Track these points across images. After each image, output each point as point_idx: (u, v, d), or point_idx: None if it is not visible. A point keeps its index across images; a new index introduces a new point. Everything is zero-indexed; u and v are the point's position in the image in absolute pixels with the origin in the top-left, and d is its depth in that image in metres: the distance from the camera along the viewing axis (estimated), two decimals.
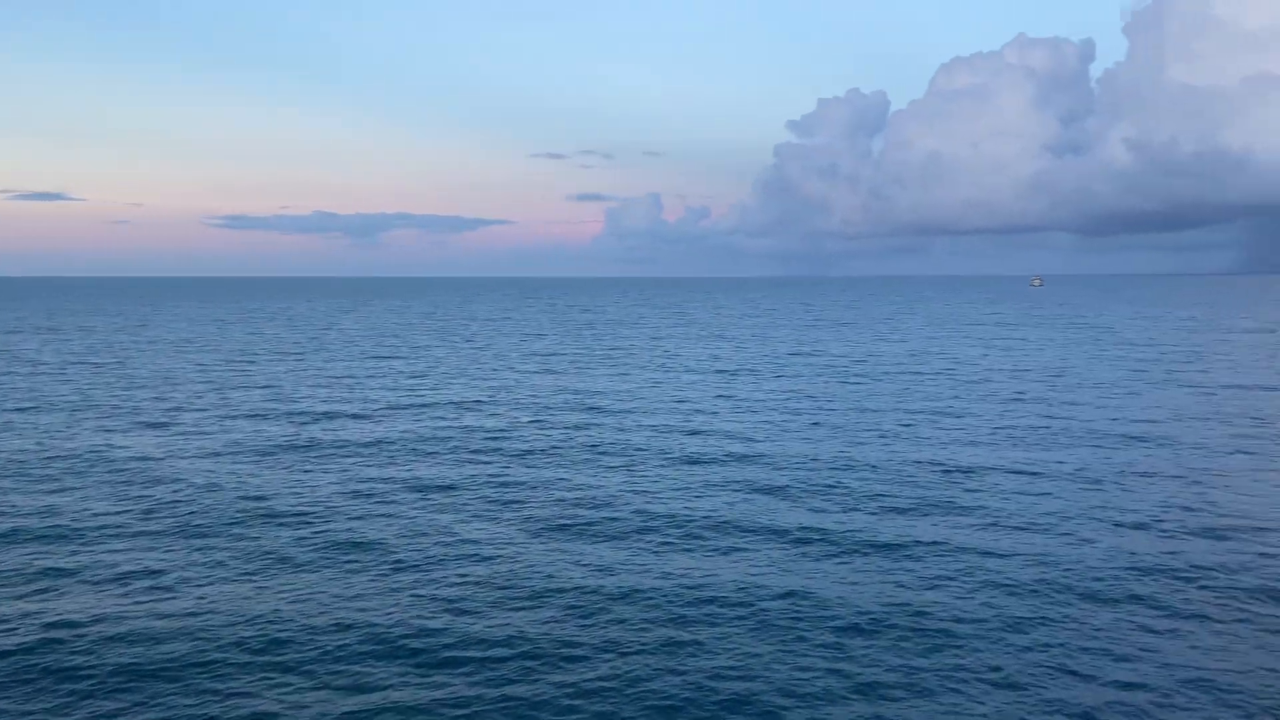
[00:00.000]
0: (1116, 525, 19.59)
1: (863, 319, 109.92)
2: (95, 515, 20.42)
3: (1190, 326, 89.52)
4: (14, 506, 21.15)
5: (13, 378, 46.46)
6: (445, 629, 14.17)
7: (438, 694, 12.22)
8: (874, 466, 25.43)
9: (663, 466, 25.53)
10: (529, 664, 13.06)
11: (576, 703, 12.01)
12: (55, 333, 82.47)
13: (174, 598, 15.57)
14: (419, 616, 14.65)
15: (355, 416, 33.90)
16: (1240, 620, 14.56)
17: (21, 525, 19.65)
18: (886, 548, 18.12)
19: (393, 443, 28.72)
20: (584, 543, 18.55)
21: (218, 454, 26.99)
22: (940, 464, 25.66)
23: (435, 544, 18.33)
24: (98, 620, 14.56)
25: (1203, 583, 16.17)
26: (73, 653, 13.42)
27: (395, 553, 17.79)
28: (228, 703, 11.99)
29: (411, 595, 15.60)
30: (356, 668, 12.97)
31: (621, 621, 14.52)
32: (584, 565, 17.15)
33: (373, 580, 16.34)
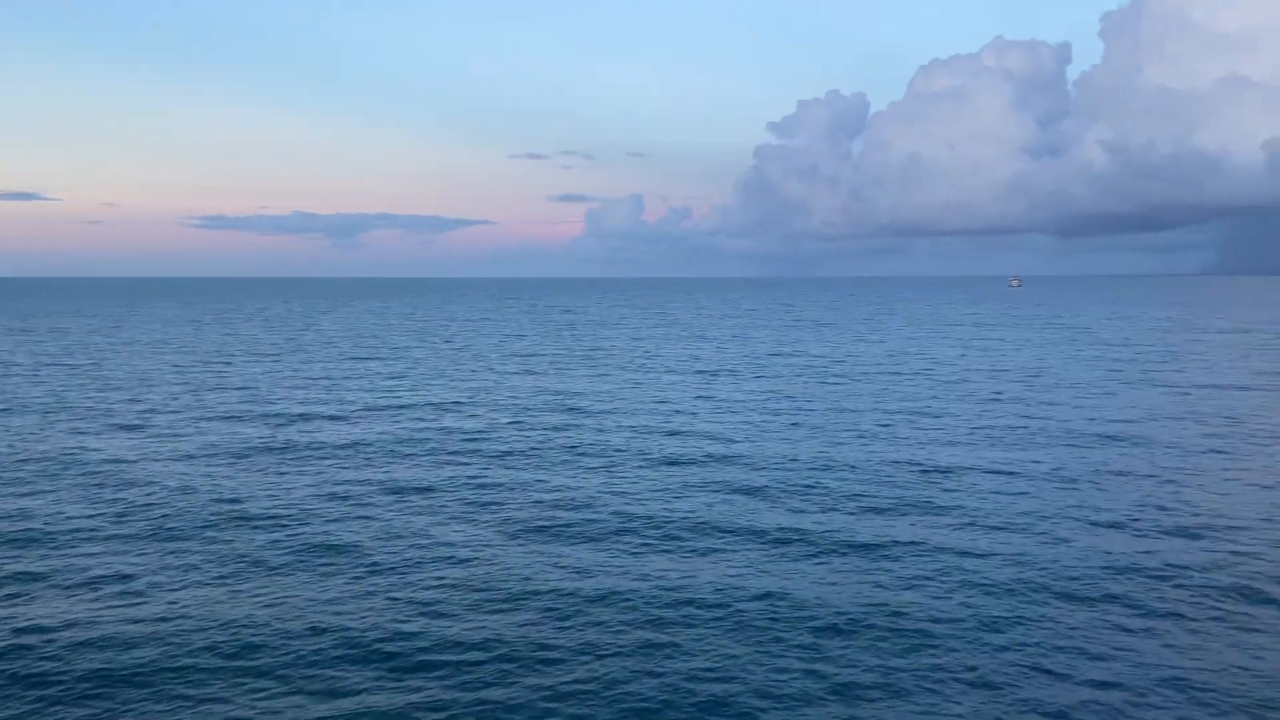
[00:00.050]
0: (1092, 524, 19.71)
1: (842, 319, 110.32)
2: (67, 519, 20.15)
3: (1166, 327, 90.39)
4: None
5: None
6: (421, 632, 14.06)
7: (413, 698, 12.12)
8: (852, 467, 25.48)
9: (642, 467, 25.48)
10: (505, 667, 12.98)
11: (553, 706, 11.94)
12: (28, 334, 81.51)
13: (145, 602, 15.38)
14: (394, 620, 14.54)
15: (332, 418, 33.67)
16: (1214, 619, 14.67)
17: None
18: (864, 548, 18.15)
19: (370, 444, 28.53)
20: (562, 544, 18.48)
21: (192, 456, 26.72)
22: (918, 464, 25.75)
23: (411, 547, 18.21)
24: (68, 625, 14.36)
25: (1177, 581, 16.28)
26: (41, 658, 13.23)
27: (371, 555, 17.65)
28: (199, 709, 11.84)
29: (387, 598, 15.47)
30: (331, 672, 12.84)
31: (599, 624, 14.46)
32: (562, 567, 17.08)
33: (348, 583, 16.20)
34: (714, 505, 21.39)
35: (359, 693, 12.26)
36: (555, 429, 31.50)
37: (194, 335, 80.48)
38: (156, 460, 26.18)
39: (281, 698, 12.12)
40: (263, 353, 62.24)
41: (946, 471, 24.84)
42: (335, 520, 20.03)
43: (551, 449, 28.02)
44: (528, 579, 16.40)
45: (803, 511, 20.85)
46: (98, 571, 16.82)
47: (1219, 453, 27.25)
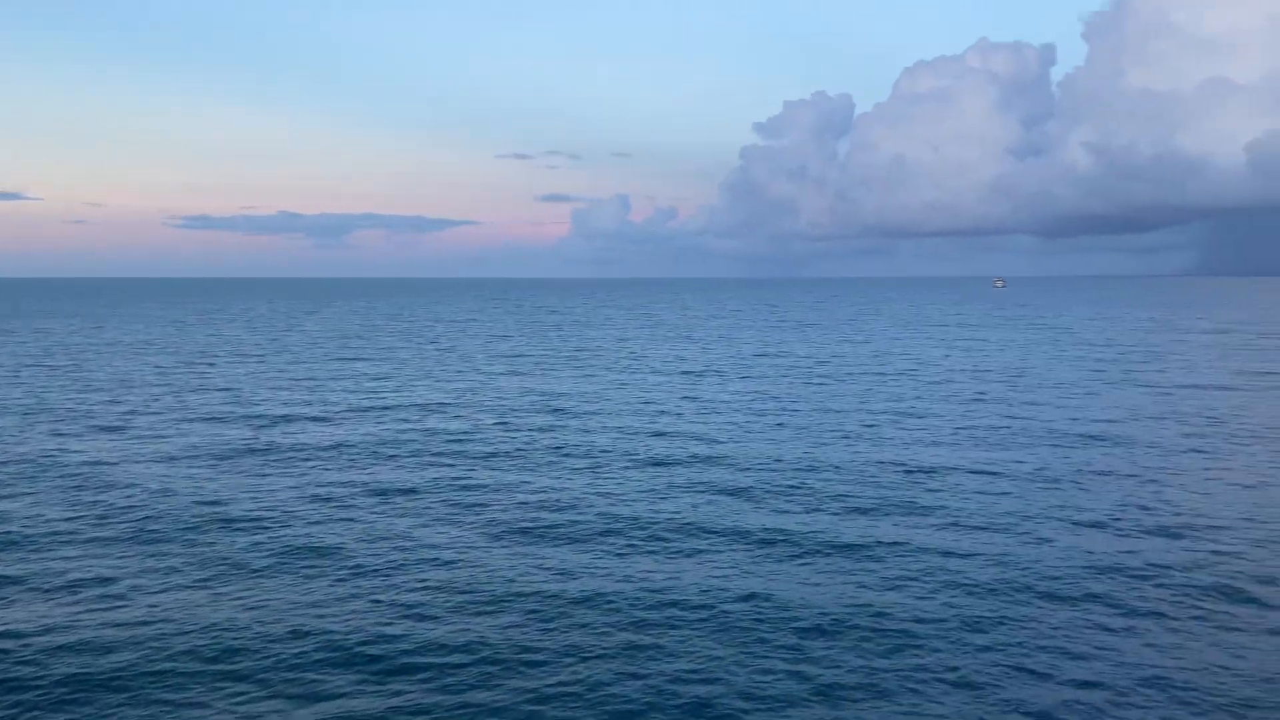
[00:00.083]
0: (1074, 524, 19.79)
1: (827, 320, 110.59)
2: (46, 521, 19.96)
3: (1148, 327, 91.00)
4: None
5: None
6: (404, 635, 13.99)
7: (395, 701, 12.05)
8: (837, 467, 25.52)
9: (627, 468, 25.45)
10: (488, 670, 12.93)
11: (536, 709, 11.90)
12: (9, 334, 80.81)
13: (125, 606, 15.24)
14: (377, 623, 14.45)
15: (316, 419, 33.49)
16: (1195, 618, 14.75)
17: None
18: (848, 548, 18.17)
19: (354, 446, 28.39)
20: (546, 546, 18.43)
21: (173, 458, 26.53)
22: (902, 464, 25.81)
23: (395, 549, 18.12)
24: (46, 629, 14.21)
25: (1159, 581, 16.36)
26: (19, 663, 13.09)
27: (354, 558, 17.55)
28: (178, 713, 11.74)
29: (370, 601, 15.39)
30: (312, 676, 12.75)
31: (583, 626, 14.42)
32: (546, 569, 17.03)
33: (330, 586, 16.11)
34: (699, 506, 21.38)
35: (341, 696, 12.18)
36: (540, 430, 31.44)
37: (177, 336, 79.97)
38: (137, 462, 25.98)
39: (262, 702, 12.02)
40: (246, 354, 61.90)
41: (930, 472, 24.91)
42: (318, 522, 19.92)
43: (537, 450, 27.96)
44: (511, 581, 16.34)
45: (787, 512, 20.86)
46: (77, 574, 16.67)
47: (1200, 452, 27.43)
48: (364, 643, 13.70)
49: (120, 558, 17.65)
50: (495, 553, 17.96)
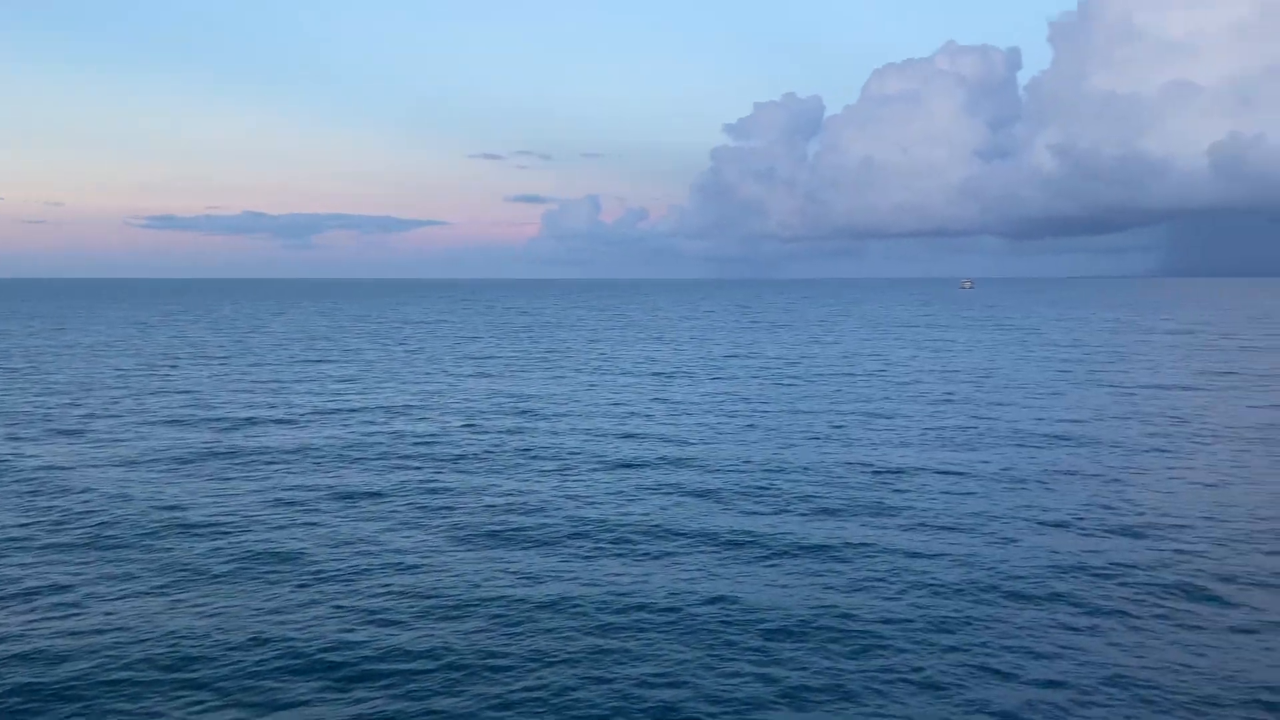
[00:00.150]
0: (1039, 524, 19.92)
1: (798, 321, 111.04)
2: (0, 528, 19.53)
3: (1113, 328, 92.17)
4: None
5: None
6: (366, 641, 13.79)
7: (357, 709, 11.85)
8: (806, 469, 25.55)
9: (596, 471, 25.32)
10: (452, 676, 12.76)
11: (500, 715, 11.75)
12: None
13: (81, 613, 14.91)
14: (339, 629, 14.24)
15: (279, 422, 33.07)
16: (1157, 616, 14.87)
17: None
18: (816, 550, 18.16)
19: (318, 449, 28.05)
20: (513, 550, 18.27)
21: (132, 462, 26.06)
22: (870, 465, 25.89)
23: (358, 553, 17.88)
24: None
25: (1122, 580, 16.49)
26: None
27: (316, 563, 17.30)
28: None
29: (332, 607, 15.16)
30: (272, 684, 12.53)
31: (549, 630, 14.29)
32: (512, 573, 16.88)
33: (292, 592, 15.85)
34: (667, 508, 21.30)
35: (301, 705, 11.97)
36: (509, 432, 31.23)
37: (139, 338, 78.79)
38: (95, 466, 25.50)
39: (220, 711, 11.79)
40: (210, 356, 61.10)
41: (898, 472, 25.00)
42: (280, 527, 19.63)
43: (505, 452, 27.77)
44: (477, 585, 16.17)
45: (756, 514, 20.83)
46: (31, 582, 16.30)
47: (1163, 452, 27.74)
48: (325, 649, 13.49)
49: (76, 564, 17.29)
50: (461, 557, 17.78)
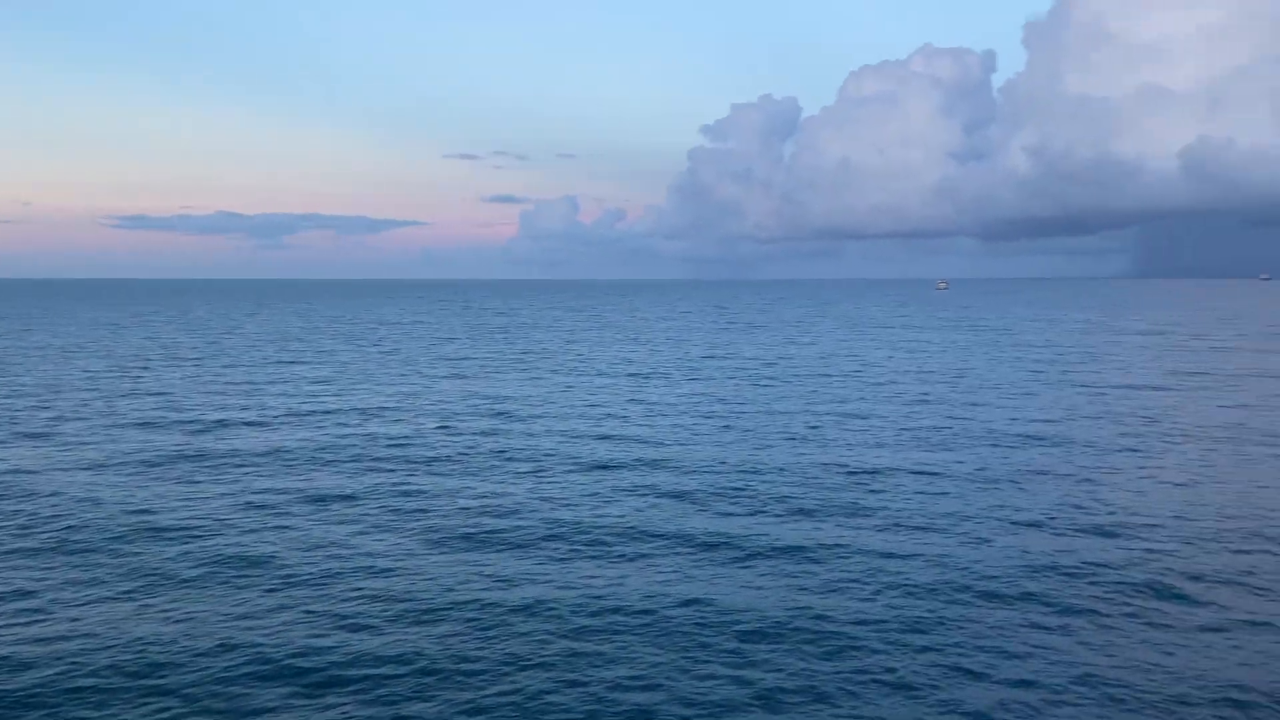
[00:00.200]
0: (1012, 524, 20.04)
1: (775, 322, 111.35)
2: None
3: (1085, 328, 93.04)
4: None
5: None
6: (337, 646, 13.64)
7: (326, 715, 11.72)
8: (781, 469, 25.58)
9: (571, 472, 25.24)
10: (424, 681, 12.65)
11: None
12: None
13: (46, 619, 14.67)
14: (309, 634, 14.08)
15: (251, 424, 32.74)
16: (1127, 615, 14.97)
17: None
18: (790, 551, 18.17)
19: (290, 452, 27.79)
20: (487, 553, 18.16)
21: (101, 466, 25.71)
22: (845, 466, 25.95)
23: (330, 557, 17.71)
24: None
25: (1093, 579, 16.60)
26: None
27: (287, 567, 17.12)
28: None
29: (303, 612, 15.00)
30: (240, 690, 12.37)
31: (523, 634, 14.20)
32: (486, 576, 16.77)
33: (261, 597, 15.67)
34: (643, 510, 21.25)
35: (270, 711, 11.82)
36: (484, 434, 31.08)
37: (110, 339, 77.86)
38: (63, 470, 25.13)
39: (187, 718, 11.62)
40: (182, 357, 60.45)
41: (873, 473, 25.08)
42: (251, 531, 19.41)
43: (480, 454, 27.62)
44: (450, 589, 16.05)
45: (731, 515, 20.83)
46: None
47: (1134, 452, 27.99)
48: (295, 655, 13.33)
49: (42, 569, 17.01)
50: (434, 560, 17.65)
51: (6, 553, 17.96)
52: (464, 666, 13.09)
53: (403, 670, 12.94)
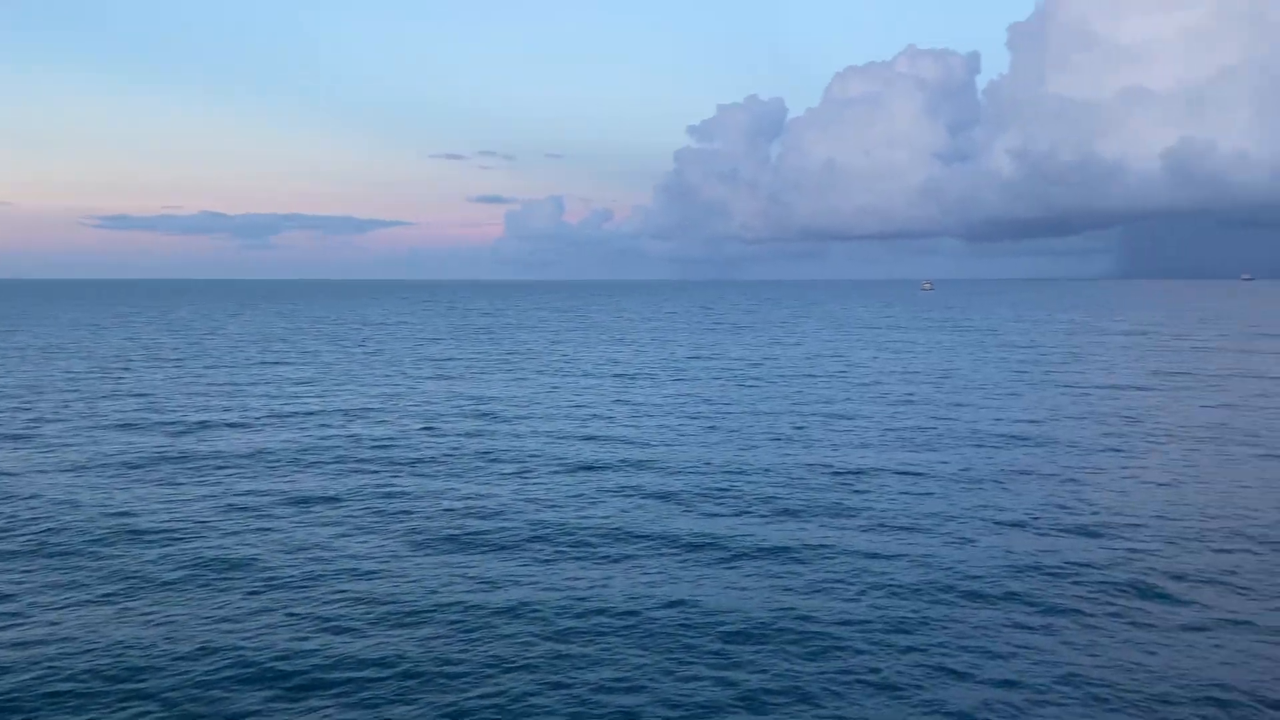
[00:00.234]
0: (996, 524, 20.09)
1: (760, 323, 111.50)
2: None
3: (1069, 329, 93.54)
4: None
5: None
6: (319, 650, 13.54)
7: (308, 719, 11.62)
8: (767, 470, 25.58)
9: (556, 473, 25.17)
10: (406, 684, 12.57)
11: None
12: None
13: (24, 623, 14.51)
14: (291, 637, 13.97)
15: (234, 426, 32.53)
16: (1110, 614, 15.02)
17: None
18: (776, 552, 18.16)
19: (273, 453, 27.61)
20: (471, 554, 18.08)
21: (82, 467, 25.48)
22: (830, 466, 25.98)
23: (313, 560, 17.59)
24: None
25: (1076, 579, 16.65)
26: None
27: (269, 570, 16.99)
28: None
29: (284, 615, 14.88)
30: (221, 694, 12.26)
31: (507, 636, 14.13)
32: (470, 578, 16.69)
33: (243, 599, 15.55)
34: (628, 511, 21.20)
35: (250, 715, 11.72)
36: (468, 435, 30.97)
37: (92, 340, 77.26)
38: (43, 472, 24.89)
39: None
40: (164, 358, 60.03)
41: (858, 473, 25.11)
42: (232, 533, 19.27)
43: (464, 455, 27.51)
44: (434, 591, 15.97)
45: (716, 516, 20.80)
46: None
47: (1117, 452, 28.13)
48: (276, 658, 13.23)
49: (21, 572, 16.83)
50: (418, 562, 17.55)
51: None
52: (447, 669, 13.01)
53: (385, 673, 12.86)
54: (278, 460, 26.60)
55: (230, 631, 14.17)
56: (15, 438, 30.00)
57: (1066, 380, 47.07)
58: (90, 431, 31.20)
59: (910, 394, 41.68)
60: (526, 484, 23.90)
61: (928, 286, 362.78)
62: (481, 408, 37.36)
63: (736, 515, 20.84)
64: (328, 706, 11.97)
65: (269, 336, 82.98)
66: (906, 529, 19.72)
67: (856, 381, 46.94)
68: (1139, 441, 29.77)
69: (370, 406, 37.64)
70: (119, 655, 13.34)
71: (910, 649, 13.66)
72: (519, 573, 16.97)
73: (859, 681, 12.65)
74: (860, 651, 13.56)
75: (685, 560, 17.71)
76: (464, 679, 12.73)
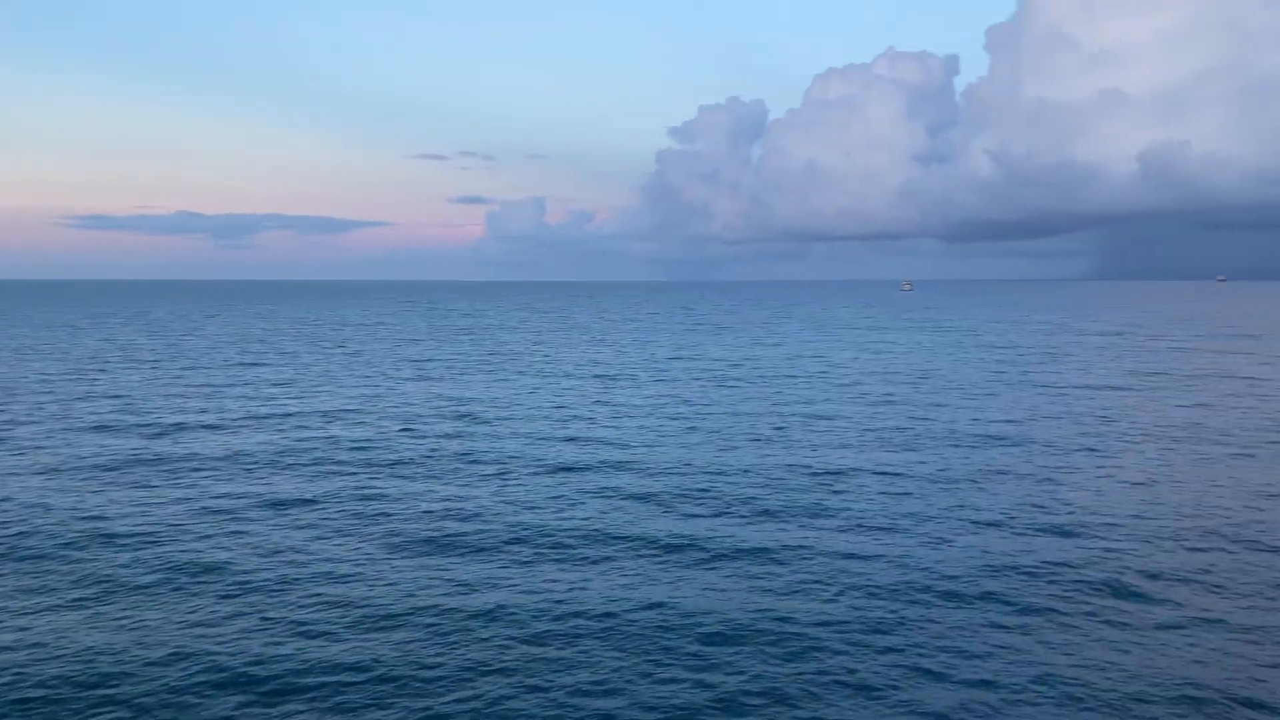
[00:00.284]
0: (973, 524, 20.17)
1: (741, 323, 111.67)
2: None
3: (1046, 329, 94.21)
4: None
5: None
6: (293, 654, 13.41)
7: None
8: (746, 471, 25.59)
9: (536, 475, 25.08)
10: (382, 689, 12.47)
11: None
12: None
13: None
14: (265, 642, 13.84)
15: (210, 428, 32.24)
16: (1086, 614, 15.10)
17: None
18: (754, 553, 18.16)
19: (250, 455, 27.37)
20: (449, 557, 17.97)
21: (55, 470, 25.17)
22: (809, 467, 26.02)
23: (288, 563, 17.44)
24: None
25: (1051, 578, 16.74)
26: None
27: (243, 573, 16.82)
28: None
29: (259, 619, 14.74)
30: (194, 699, 12.11)
31: (484, 639, 14.05)
32: (447, 581, 16.59)
33: (216, 604, 15.39)
34: (607, 513, 21.15)
35: None
36: (448, 436, 30.82)
37: (66, 341, 76.43)
38: (14, 475, 24.57)
39: None
40: (140, 359, 59.46)
41: (837, 474, 25.16)
42: (207, 536, 19.07)
43: (443, 457, 27.38)
44: (410, 594, 15.86)
45: (695, 517, 20.78)
46: None
47: (1094, 451, 28.33)
48: (250, 663, 13.09)
49: None
50: (395, 565, 17.43)
51: None
52: (423, 673, 12.92)
53: (360, 677, 12.75)
54: (254, 462, 26.38)
55: (203, 636, 14.02)
56: None
57: (1044, 380, 47.38)
58: (64, 434, 30.84)
59: (890, 394, 41.84)
60: (506, 485, 23.81)
61: (907, 287, 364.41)
62: (461, 409, 37.21)
63: (716, 516, 20.83)
64: (302, 712, 11.85)
65: (247, 337, 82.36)
66: (884, 529, 19.77)
67: (836, 382, 47.08)
68: (1115, 441, 29.99)
69: (349, 408, 37.41)
70: (90, 661, 13.17)
71: (887, 649, 13.68)
72: (497, 575, 16.89)
73: (836, 682, 12.65)
74: (838, 652, 13.57)
75: (664, 562, 17.68)
76: (440, 683, 12.65)
